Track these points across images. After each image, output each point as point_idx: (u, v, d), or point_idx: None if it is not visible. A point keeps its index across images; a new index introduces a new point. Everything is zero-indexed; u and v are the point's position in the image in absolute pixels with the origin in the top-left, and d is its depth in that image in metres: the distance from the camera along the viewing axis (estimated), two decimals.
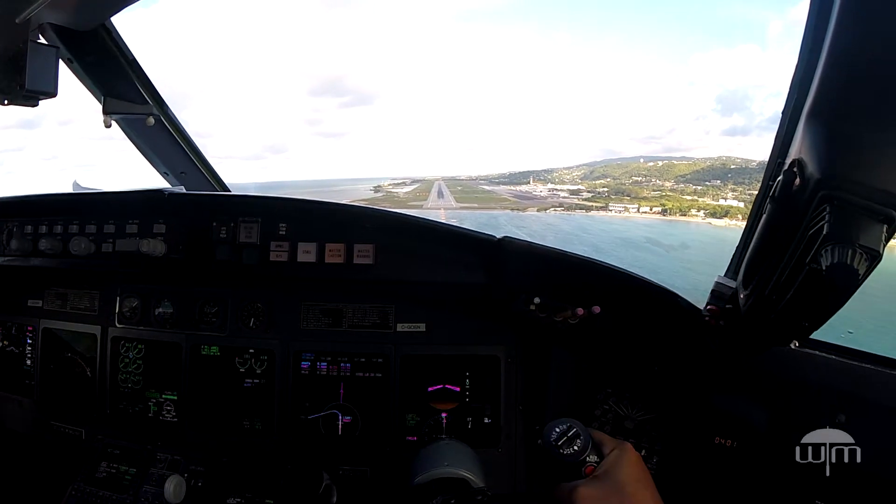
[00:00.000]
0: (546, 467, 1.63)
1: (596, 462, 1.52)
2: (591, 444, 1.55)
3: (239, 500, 2.27)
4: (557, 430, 1.57)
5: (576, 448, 1.53)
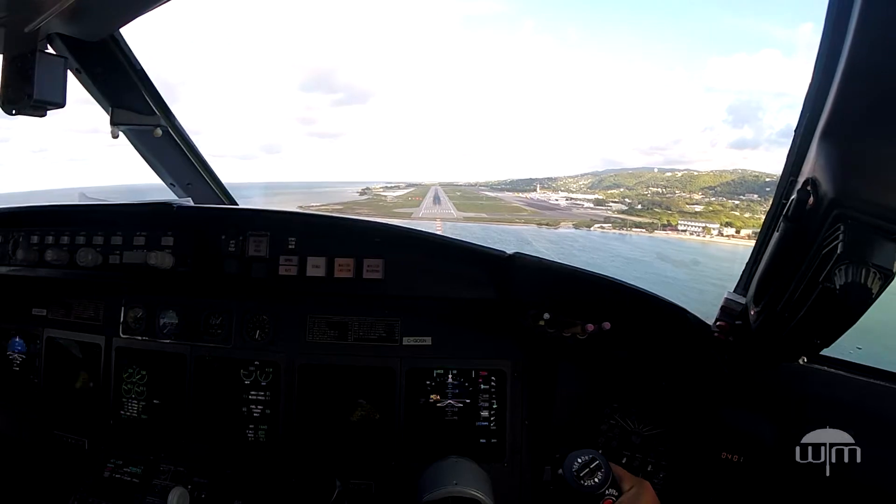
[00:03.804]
0: (561, 495, 1.63)
1: (615, 496, 1.52)
2: (611, 478, 1.55)
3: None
4: (580, 460, 1.56)
5: (596, 480, 1.53)
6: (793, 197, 1.32)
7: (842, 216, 1.15)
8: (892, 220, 1.11)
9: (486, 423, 2.30)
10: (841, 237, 1.14)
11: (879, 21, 1.14)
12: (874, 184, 1.15)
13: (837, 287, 1.13)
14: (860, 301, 1.16)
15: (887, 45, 1.14)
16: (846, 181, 1.18)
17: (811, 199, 1.26)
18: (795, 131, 1.53)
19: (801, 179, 1.33)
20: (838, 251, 1.13)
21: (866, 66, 1.17)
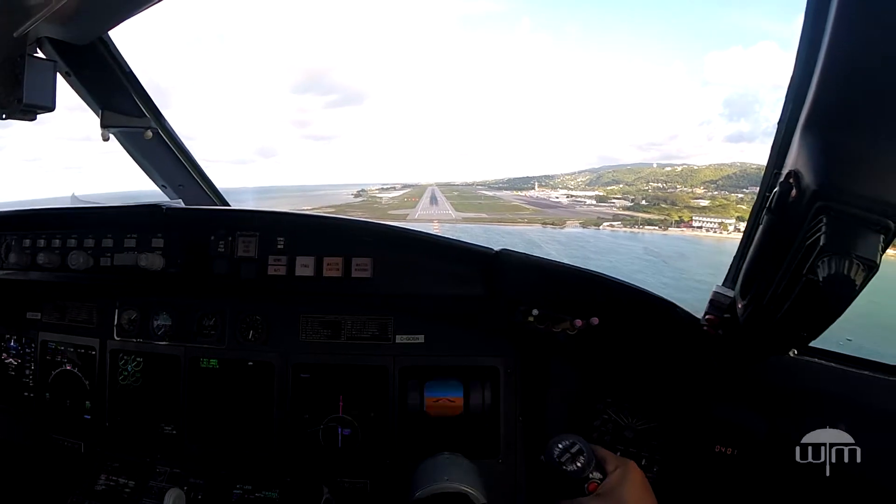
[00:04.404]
0: (548, 483, 1.62)
1: (599, 479, 1.51)
2: (594, 461, 1.54)
3: (248, 486, 2.30)
4: (560, 445, 1.55)
5: (579, 465, 1.52)
6: (776, 189, 1.32)
7: (824, 208, 1.15)
8: (875, 211, 1.10)
9: (480, 420, 2.30)
10: (824, 229, 1.14)
11: (858, 12, 1.15)
12: (856, 175, 1.15)
13: (821, 279, 1.13)
14: (844, 293, 1.16)
15: (867, 35, 1.14)
16: (828, 173, 1.17)
17: (794, 191, 1.26)
18: (779, 123, 1.54)
19: (785, 172, 1.33)
20: (821, 243, 1.13)
21: (846, 57, 1.17)
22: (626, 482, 1.46)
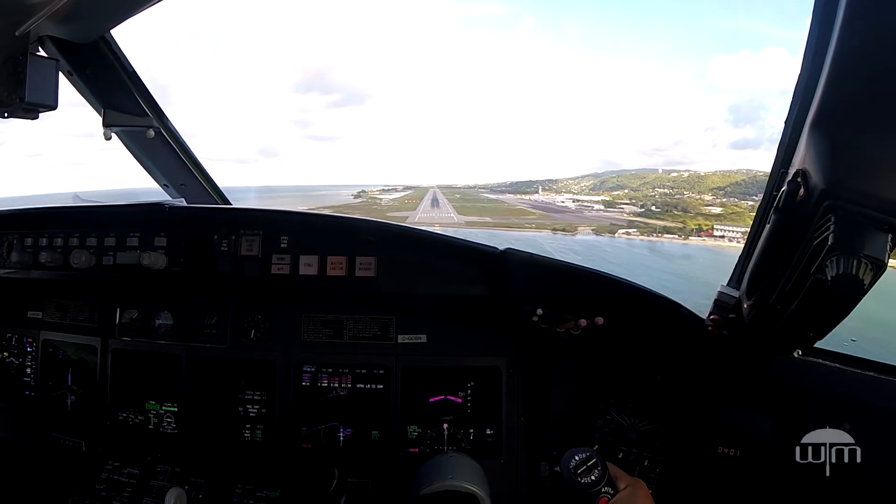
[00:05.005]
0: (557, 493, 1.65)
1: (610, 494, 1.55)
2: (607, 476, 1.57)
3: (249, 486, 2.30)
4: (577, 458, 1.59)
5: (593, 478, 1.56)
6: (783, 188, 1.31)
7: (833, 207, 1.14)
8: (884, 210, 1.10)
9: (483, 420, 2.30)
10: (832, 228, 1.13)
11: (866, 11, 1.14)
12: (865, 174, 1.14)
13: (829, 278, 1.13)
14: (852, 292, 1.16)
15: (874, 34, 1.14)
16: (836, 172, 1.17)
17: (802, 190, 1.26)
18: (786, 123, 1.53)
19: (792, 171, 1.33)
20: (829, 242, 1.13)
21: (855, 57, 1.17)
22: (636, 501, 1.50)
